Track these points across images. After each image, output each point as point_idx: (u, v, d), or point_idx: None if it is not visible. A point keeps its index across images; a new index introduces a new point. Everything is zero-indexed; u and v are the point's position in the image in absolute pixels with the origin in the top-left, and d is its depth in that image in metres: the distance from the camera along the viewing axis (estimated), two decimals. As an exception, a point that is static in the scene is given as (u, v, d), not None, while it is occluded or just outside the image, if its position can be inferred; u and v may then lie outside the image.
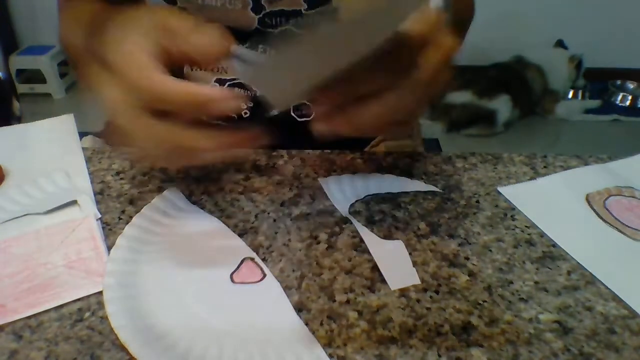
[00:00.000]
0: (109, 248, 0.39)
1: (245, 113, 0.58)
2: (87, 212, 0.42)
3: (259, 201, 0.45)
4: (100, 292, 0.35)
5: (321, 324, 0.34)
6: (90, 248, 0.39)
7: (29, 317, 0.34)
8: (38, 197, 0.44)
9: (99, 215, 0.43)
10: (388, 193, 0.46)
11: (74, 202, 0.44)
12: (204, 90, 0.33)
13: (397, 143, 0.67)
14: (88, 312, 0.34)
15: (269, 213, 0.44)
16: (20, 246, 0.39)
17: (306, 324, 0.33)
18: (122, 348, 0.31)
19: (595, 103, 2.42)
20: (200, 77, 0.59)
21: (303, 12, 0.54)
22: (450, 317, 0.34)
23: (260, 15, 0.54)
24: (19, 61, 2.49)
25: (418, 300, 0.35)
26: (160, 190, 0.46)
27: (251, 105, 0.58)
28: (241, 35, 0.55)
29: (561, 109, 2.36)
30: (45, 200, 0.44)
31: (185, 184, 0.47)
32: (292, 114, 0.59)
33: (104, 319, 0.33)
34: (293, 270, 0.38)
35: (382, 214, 0.44)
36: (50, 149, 0.51)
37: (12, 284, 0.36)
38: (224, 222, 0.42)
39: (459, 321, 0.34)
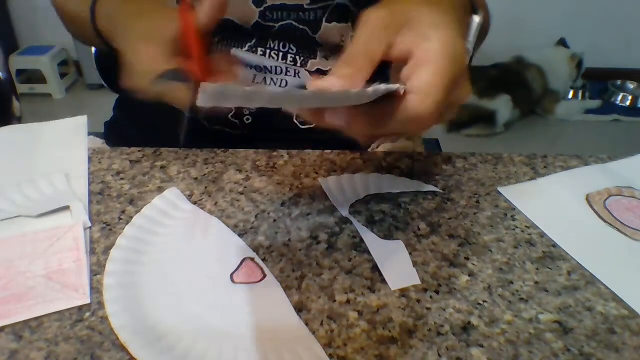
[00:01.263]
0: (109, 248, 0.39)
1: (247, 119, 0.58)
2: (77, 220, 0.42)
3: (259, 201, 0.45)
4: (100, 293, 0.35)
5: (321, 324, 0.34)
6: (72, 259, 0.38)
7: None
8: (34, 198, 0.44)
9: (89, 224, 0.42)
10: (388, 193, 0.46)
11: (66, 208, 0.43)
12: None
13: (397, 144, 0.67)
14: (88, 312, 0.34)
15: (269, 213, 0.44)
16: (4, 250, 0.39)
17: (306, 324, 0.33)
18: (122, 348, 0.31)
19: (595, 103, 2.42)
20: None
21: (305, 7, 0.54)
22: (450, 317, 0.34)
23: (261, 9, 0.54)
24: (19, 61, 2.49)
25: (418, 300, 0.35)
26: (160, 190, 0.46)
27: (253, 111, 0.58)
28: (240, 34, 0.55)
29: (561, 109, 2.36)
30: (40, 202, 0.44)
31: (185, 184, 0.47)
32: (295, 120, 0.59)
33: (104, 319, 0.33)
34: (293, 270, 0.38)
35: (382, 214, 0.44)
36: (57, 150, 0.51)
37: None
38: (224, 222, 0.42)
39: (459, 321, 0.34)
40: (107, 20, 0.47)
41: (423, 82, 0.31)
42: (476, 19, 0.40)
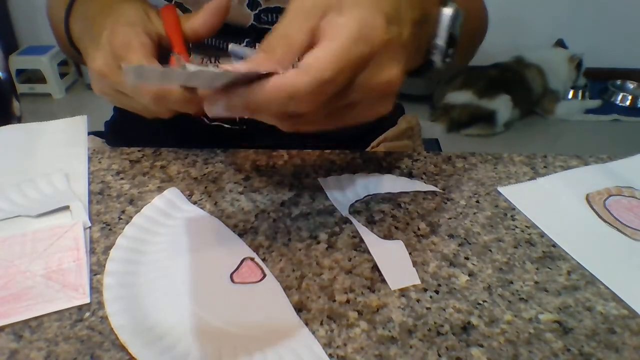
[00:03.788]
0: (109, 249, 0.39)
1: None
2: (77, 219, 0.42)
3: (259, 201, 0.45)
4: (100, 293, 0.35)
5: (321, 324, 0.34)
6: (72, 259, 0.38)
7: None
8: (34, 197, 0.44)
9: (89, 224, 0.42)
10: (388, 193, 0.46)
11: (66, 207, 0.43)
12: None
13: (397, 143, 0.67)
14: (88, 312, 0.34)
15: (269, 213, 0.44)
16: (4, 249, 0.39)
17: (306, 324, 0.33)
18: (122, 348, 0.31)
19: (595, 103, 2.42)
20: None
21: None
22: (450, 317, 0.34)
23: (256, 12, 0.54)
24: (19, 61, 2.49)
25: (418, 300, 0.35)
26: (160, 190, 0.46)
27: None
28: (237, 32, 0.56)
29: (561, 109, 2.36)
30: (40, 202, 0.44)
31: (185, 184, 0.47)
32: None
33: (104, 319, 0.33)
34: (293, 270, 0.38)
35: (382, 214, 0.44)
36: (57, 150, 0.51)
37: None
38: (224, 222, 0.42)
39: (459, 321, 0.34)
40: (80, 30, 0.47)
41: (310, 58, 0.28)
42: (447, 11, 0.38)
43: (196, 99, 0.35)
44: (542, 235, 0.42)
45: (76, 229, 0.41)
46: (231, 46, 0.41)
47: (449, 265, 0.38)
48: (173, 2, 0.55)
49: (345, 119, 0.33)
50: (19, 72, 2.52)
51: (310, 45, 0.30)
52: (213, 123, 0.59)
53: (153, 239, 0.40)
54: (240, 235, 0.41)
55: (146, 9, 0.42)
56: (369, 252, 0.39)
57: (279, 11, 0.54)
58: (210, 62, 0.58)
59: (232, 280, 0.37)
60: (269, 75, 0.28)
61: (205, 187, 0.47)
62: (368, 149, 0.66)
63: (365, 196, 0.46)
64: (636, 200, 0.46)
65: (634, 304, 0.35)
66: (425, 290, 0.36)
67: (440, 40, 0.39)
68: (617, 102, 2.45)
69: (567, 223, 0.43)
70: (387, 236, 0.41)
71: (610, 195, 0.46)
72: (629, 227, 0.42)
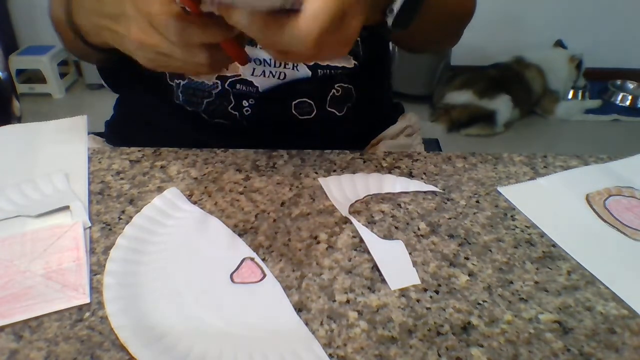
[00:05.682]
0: (109, 249, 0.39)
1: (247, 110, 0.58)
2: (77, 219, 0.42)
3: (259, 201, 0.45)
4: (100, 293, 0.35)
5: (321, 324, 0.34)
6: (72, 259, 0.38)
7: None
8: (34, 198, 0.44)
9: (89, 224, 0.42)
10: (388, 193, 0.46)
11: (66, 207, 0.43)
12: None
13: (397, 142, 0.67)
14: (88, 312, 0.34)
15: (269, 213, 0.44)
16: (4, 249, 0.39)
17: (306, 324, 0.33)
18: (122, 348, 0.31)
19: (595, 103, 2.42)
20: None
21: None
22: (450, 317, 0.34)
23: None
24: (19, 61, 2.49)
25: (418, 300, 0.35)
26: (160, 190, 0.46)
27: (253, 102, 0.58)
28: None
29: (561, 109, 2.36)
30: (40, 202, 0.44)
31: (185, 184, 0.47)
32: (294, 112, 0.59)
33: (104, 319, 0.33)
34: (293, 270, 0.38)
35: (382, 214, 0.44)
36: (57, 150, 0.51)
37: None
38: (224, 222, 0.42)
39: (459, 321, 0.34)
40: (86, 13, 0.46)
41: (315, 5, 0.32)
42: None
43: (214, 22, 0.37)
44: (542, 235, 0.42)
45: (76, 229, 0.41)
46: None
47: (449, 265, 0.38)
48: None
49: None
50: (19, 72, 2.52)
51: None
52: (214, 120, 0.59)
53: (153, 239, 0.40)
54: (240, 235, 0.41)
55: None
56: (369, 252, 0.39)
57: None
58: None
59: (232, 280, 0.37)
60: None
61: (205, 187, 0.47)
62: (367, 147, 0.66)
63: (365, 196, 0.46)
64: (636, 200, 0.46)
65: (634, 304, 0.35)
66: (425, 290, 0.36)
67: (396, 5, 0.42)
68: (617, 102, 2.45)
69: (567, 223, 0.43)
70: (387, 236, 0.41)
71: (610, 195, 0.46)
72: (629, 227, 0.43)
